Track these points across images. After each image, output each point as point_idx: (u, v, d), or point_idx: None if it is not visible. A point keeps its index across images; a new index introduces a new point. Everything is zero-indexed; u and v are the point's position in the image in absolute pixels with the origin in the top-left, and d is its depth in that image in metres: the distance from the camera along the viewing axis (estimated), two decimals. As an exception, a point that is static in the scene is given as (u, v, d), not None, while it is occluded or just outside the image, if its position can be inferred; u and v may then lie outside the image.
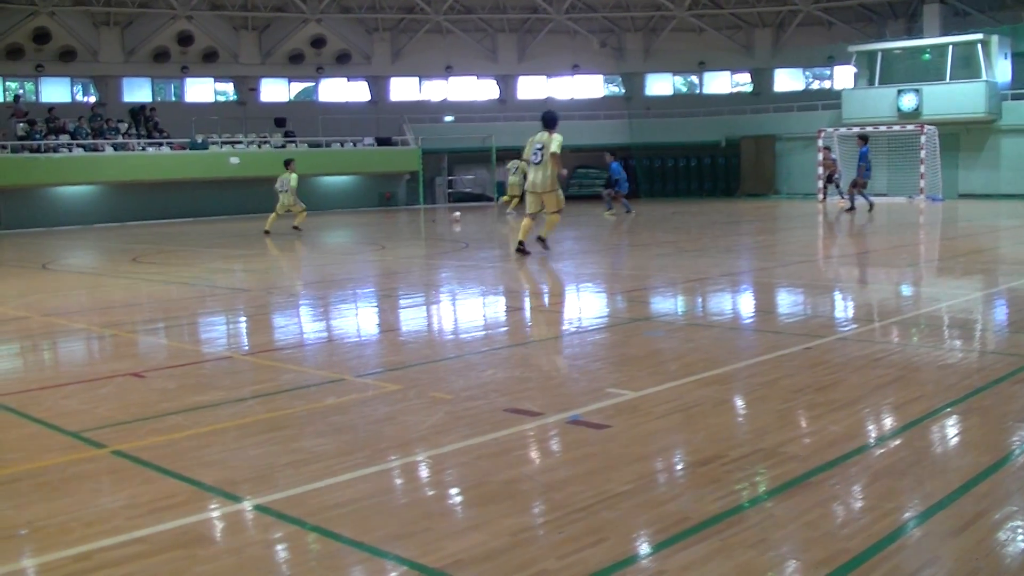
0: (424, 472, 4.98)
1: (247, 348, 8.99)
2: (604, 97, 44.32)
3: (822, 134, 33.65)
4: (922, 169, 32.30)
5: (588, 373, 7.34)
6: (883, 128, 33.73)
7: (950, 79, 34.04)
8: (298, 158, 35.38)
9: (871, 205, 27.53)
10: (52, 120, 33.30)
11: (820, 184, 32.94)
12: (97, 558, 3.86)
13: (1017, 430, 5.36)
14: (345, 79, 41.91)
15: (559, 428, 5.58)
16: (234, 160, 34.26)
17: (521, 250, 15.95)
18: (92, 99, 37.37)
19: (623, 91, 44.65)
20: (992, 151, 34.28)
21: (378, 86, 42.26)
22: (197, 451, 5.28)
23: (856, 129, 32.87)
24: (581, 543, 3.87)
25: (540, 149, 15.86)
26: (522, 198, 29.54)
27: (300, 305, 11.90)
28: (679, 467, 4.94)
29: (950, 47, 34.27)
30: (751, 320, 10.01)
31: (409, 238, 24.04)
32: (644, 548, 3.89)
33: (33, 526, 4.22)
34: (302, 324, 10.43)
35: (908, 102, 34.58)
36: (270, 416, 6.02)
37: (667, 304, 11.26)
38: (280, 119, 38.26)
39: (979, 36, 33.66)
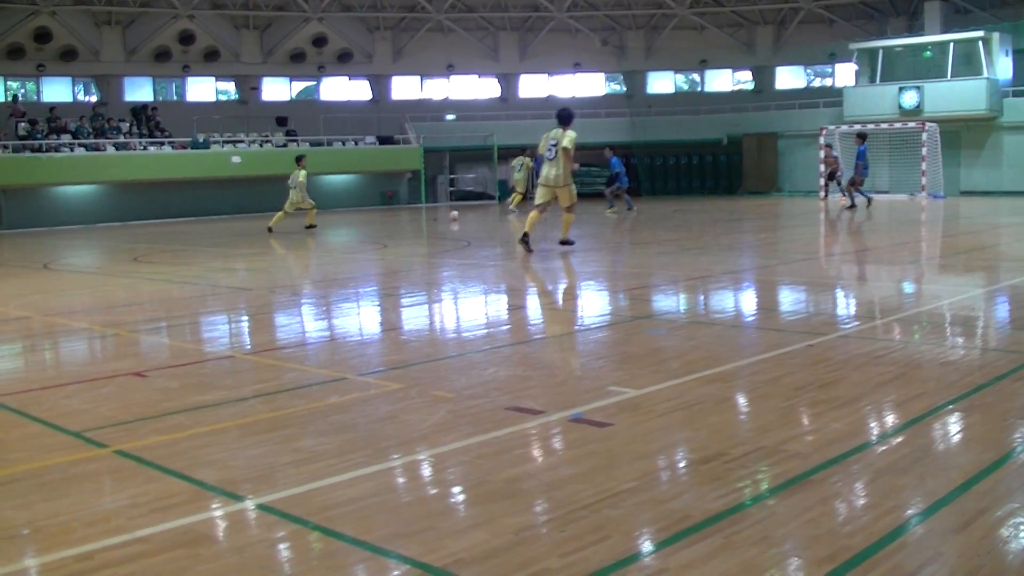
0: (426, 471, 4.98)
1: (249, 347, 9.00)
2: (606, 95, 44.31)
3: (824, 132, 33.63)
4: (923, 166, 32.27)
5: (590, 371, 7.34)
6: (884, 125, 33.73)
7: (951, 76, 34.01)
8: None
9: (869, 201, 27.80)
10: (53, 120, 33.30)
11: (822, 182, 32.92)
12: (99, 558, 3.86)
13: (1019, 427, 5.36)
14: (347, 78, 41.90)
15: (561, 426, 5.58)
16: (236, 159, 34.27)
17: (525, 242, 16.12)
18: (93, 98, 37.38)
19: (625, 89, 44.63)
20: (993, 148, 34.25)
21: (380, 85, 42.26)
22: (199, 450, 5.29)
23: (857, 127, 32.92)
24: (583, 541, 3.87)
25: (554, 145, 16.10)
26: (525, 195, 29.93)
27: (302, 304, 11.90)
28: (681, 465, 4.94)
29: (951, 44, 34.24)
30: (753, 318, 10.01)
31: (411, 237, 24.04)
32: (646, 546, 3.89)
33: (35, 526, 4.22)
34: (304, 323, 10.43)
35: (909, 99, 34.57)
36: (272, 415, 6.02)
37: (669, 302, 11.26)
38: (282, 118, 38.26)
39: (980, 33, 33.63)
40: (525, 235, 16.25)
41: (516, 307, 11.30)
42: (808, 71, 43.31)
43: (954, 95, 33.66)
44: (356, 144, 37.94)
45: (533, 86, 43.99)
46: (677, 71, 44.50)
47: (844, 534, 3.87)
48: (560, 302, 11.55)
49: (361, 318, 10.76)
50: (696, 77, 44.71)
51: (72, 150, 32.13)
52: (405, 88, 42.93)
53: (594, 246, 17.16)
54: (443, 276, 14.59)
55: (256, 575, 3.70)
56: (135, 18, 37.11)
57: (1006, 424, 5.42)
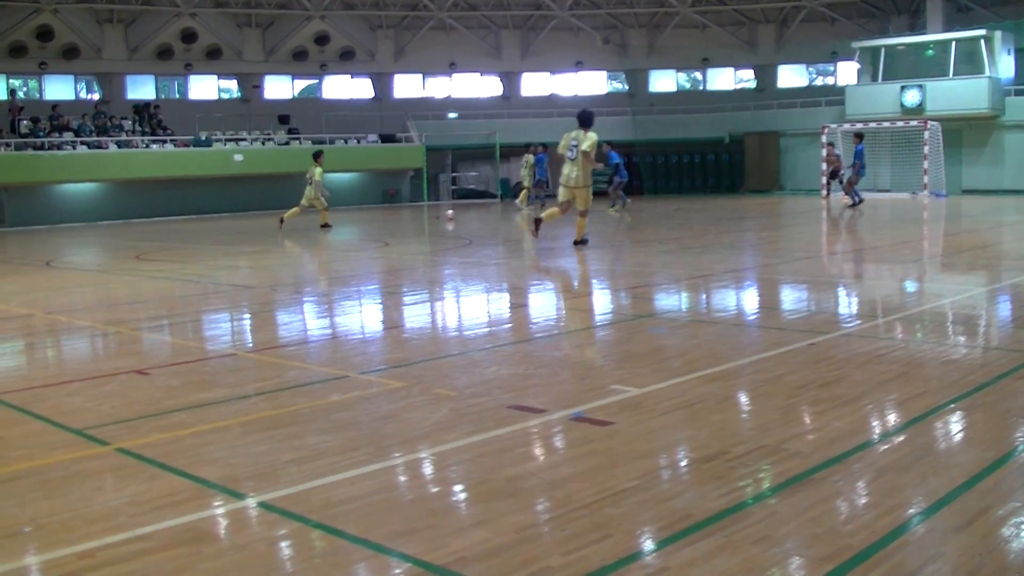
0: (428, 469, 4.98)
1: (251, 345, 9.00)
2: (608, 94, 44.27)
3: (825, 130, 33.61)
4: (925, 165, 32.25)
5: (592, 370, 7.35)
6: (886, 124, 33.73)
7: (953, 75, 33.99)
8: (301, 156, 35.60)
9: (860, 200, 27.97)
10: (56, 118, 33.31)
11: (824, 180, 32.91)
12: (100, 555, 3.87)
13: (1021, 426, 5.36)
14: (349, 76, 41.88)
15: (563, 425, 5.58)
16: (238, 157, 34.27)
17: (536, 225, 16.76)
18: (96, 96, 37.39)
19: (627, 88, 44.60)
20: (995, 147, 34.24)
21: (382, 83, 42.25)
22: (201, 448, 5.29)
23: (859, 125, 32.91)
24: (585, 540, 3.87)
25: (575, 146, 16.27)
26: (529, 190, 30.06)
27: (304, 302, 11.91)
28: (683, 464, 4.95)
29: (953, 43, 34.21)
30: (755, 316, 10.01)
31: (413, 235, 24.05)
32: (648, 545, 3.89)
33: (36, 523, 4.22)
34: (306, 321, 10.43)
35: (911, 98, 34.54)
36: (274, 413, 6.02)
37: (671, 300, 11.26)
38: (284, 116, 38.26)
39: (982, 32, 33.61)
40: (538, 220, 16.80)
41: (518, 305, 11.30)
42: (810, 69, 43.27)
43: (956, 94, 33.64)
44: (358, 142, 37.95)
45: (535, 84, 43.98)
46: (679, 69, 44.47)
47: (845, 533, 3.88)
48: (562, 301, 11.55)
49: (363, 316, 10.77)
50: (698, 75, 44.68)
51: (74, 148, 32.14)
52: (407, 86, 42.92)
53: (596, 244, 17.16)
54: (445, 274, 14.59)
55: (258, 573, 3.70)
56: (137, 16, 37.12)
57: (1007, 423, 5.42)
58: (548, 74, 43.86)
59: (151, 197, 32.86)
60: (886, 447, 5.06)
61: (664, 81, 44.64)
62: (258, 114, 38.00)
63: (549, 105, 42.46)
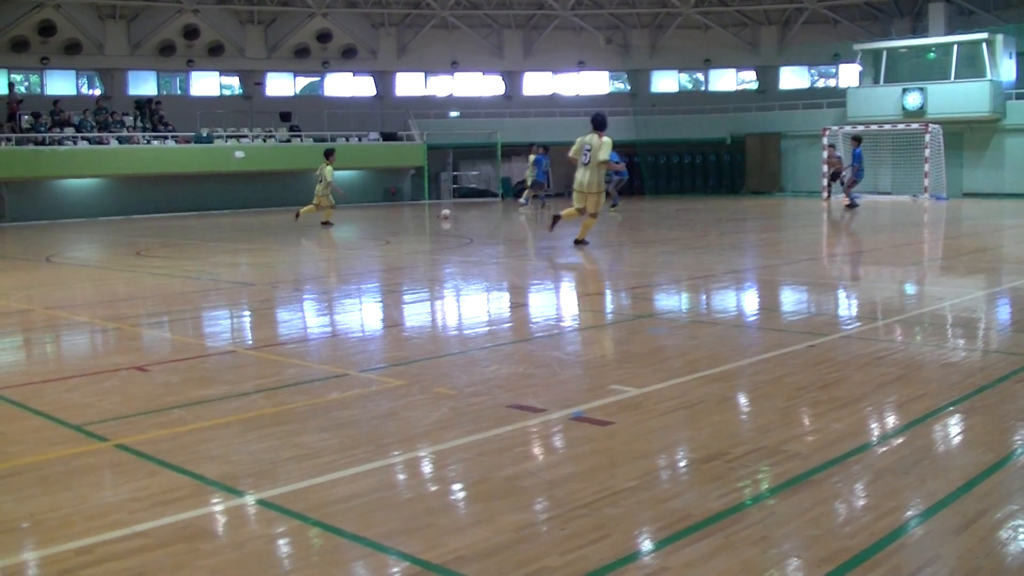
0: (427, 468, 4.98)
1: (251, 342, 9.01)
2: (609, 94, 44.24)
3: (827, 132, 33.61)
4: (926, 168, 32.26)
5: (591, 369, 7.35)
6: (888, 126, 33.73)
7: (955, 78, 34.00)
8: (302, 153, 35.65)
9: (856, 203, 27.97)
10: (57, 113, 33.30)
11: (825, 182, 32.91)
12: (99, 552, 3.87)
13: (1019, 429, 5.36)
14: (351, 74, 41.87)
15: (562, 424, 5.58)
16: (239, 154, 34.25)
17: (554, 222, 17.10)
18: (97, 92, 37.38)
19: (628, 88, 44.60)
20: (996, 150, 34.25)
21: (384, 81, 42.24)
22: (200, 445, 5.29)
23: (860, 128, 32.93)
24: (584, 539, 3.87)
25: (589, 150, 16.25)
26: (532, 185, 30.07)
27: (304, 300, 11.91)
28: (682, 464, 4.95)
29: (955, 46, 34.22)
30: (755, 317, 10.01)
31: (414, 233, 24.05)
32: (647, 545, 3.89)
33: (35, 519, 4.22)
34: (306, 319, 10.43)
35: (913, 101, 34.54)
36: (273, 411, 6.02)
37: (671, 301, 11.26)
38: (285, 113, 38.21)
39: (984, 35, 33.61)
40: (557, 217, 17.08)
41: (518, 305, 11.30)
42: (812, 71, 43.28)
43: (957, 97, 33.64)
44: (360, 140, 37.92)
45: (537, 84, 43.97)
46: (681, 70, 44.46)
47: (844, 535, 3.88)
48: (562, 300, 11.55)
49: (363, 314, 10.77)
50: (700, 76, 44.67)
51: (75, 143, 32.11)
52: (409, 85, 42.91)
53: (597, 244, 17.15)
54: (445, 273, 14.59)
55: (256, 570, 3.70)
56: (139, 12, 37.11)
57: (1007, 426, 5.42)
58: (550, 74, 43.85)
59: (152, 193, 32.85)
60: (885, 449, 5.06)
61: (666, 81, 44.64)
62: (259, 111, 37.97)
63: (551, 105, 42.47)
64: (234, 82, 40.38)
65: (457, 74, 42.99)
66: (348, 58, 40.73)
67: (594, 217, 16.71)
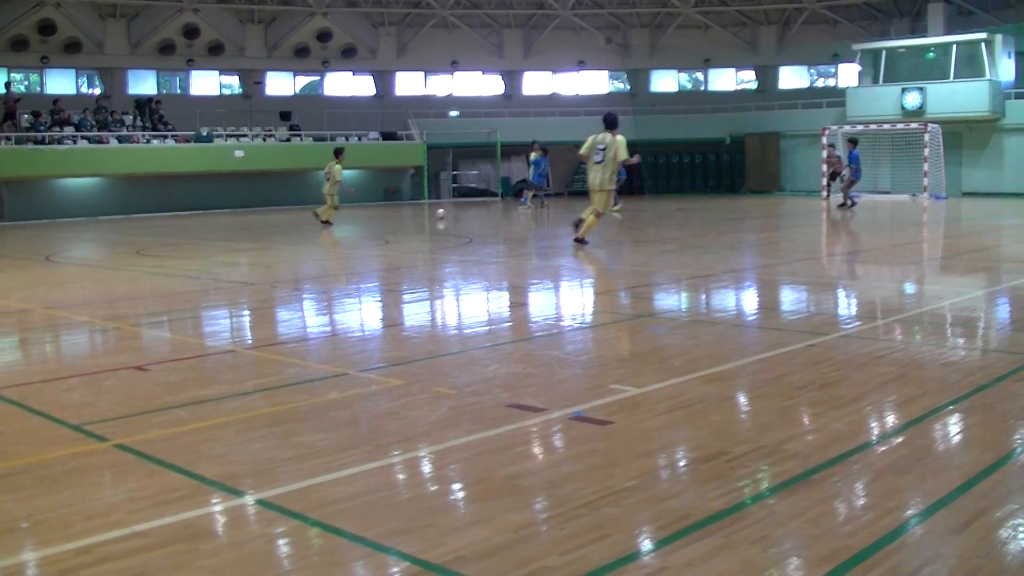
0: (427, 467, 4.98)
1: (250, 342, 9.01)
2: (609, 93, 44.23)
3: (826, 132, 33.61)
4: (925, 167, 32.26)
5: (591, 369, 7.34)
6: (887, 126, 33.74)
7: (954, 78, 34.00)
8: (302, 152, 35.68)
9: (847, 204, 28.04)
10: (57, 112, 33.29)
11: (824, 181, 32.91)
12: (98, 552, 3.87)
13: (1019, 428, 5.36)
14: (350, 73, 41.87)
15: (562, 424, 5.58)
16: (239, 153, 34.24)
17: (578, 234, 16.91)
18: (97, 91, 37.38)
19: (628, 87, 44.60)
20: (995, 150, 34.26)
21: (383, 80, 42.24)
22: (199, 445, 5.29)
23: (859, 127, 32.93)
24: (583, 539, 3.87)
25: (603, 149, 16.42)
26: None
27: (304, 299, 11.91)
28: (682, 464, 4.94)
29: (954, 46, 34.22)
30: (754, 317, 10.01)
31: (413, 233, 24.05)
32: (646, 544, 3.89)
33: (34, 519, 4.22)
34: (305, 318, 10.43)
35: (912, 100, 34.54)
36: (273, 410, 6.02)
37: (671, 300, 11.26)
38: (285, 113, 38.22)
39: (983, 35, 33.61)
40: (579, 228, 16.98)
41: (518, 304, 11.30)
42: (811, 71, 43.28)
43: (956, 96, 33.64)
44: (359, 140, 37.91)
45: (537, 83, 43.97)
46: (681, 70, 44.48)
47: (844, 534, 3.88)
48: (561, 299, 11.55)
49: (363, 314, 10.76)
50: (700, 76, 44.68)
51: (75, 142, 32.10)
52: (409, 84, 42.91)
53: (596, 244, 17.15)
54: (445, 272, 14.59)
55: (256, 571, 3.70)
56: (139, 11, 37.10)
57: (1006, 425, 5.42)
58: (550, 73, 43.85)
59: (151, 192, 32.84)
60: (885, 448, 5.06)
61: (665, 81, 44.65)
62: (259, 110, 37.97)
63: (551, 104, 42.48)
64: (234, 81, 40.38)
65: (457, 74, 43.00)
66: (348, 57, 40.73)
67: (598, 217, 16.74)
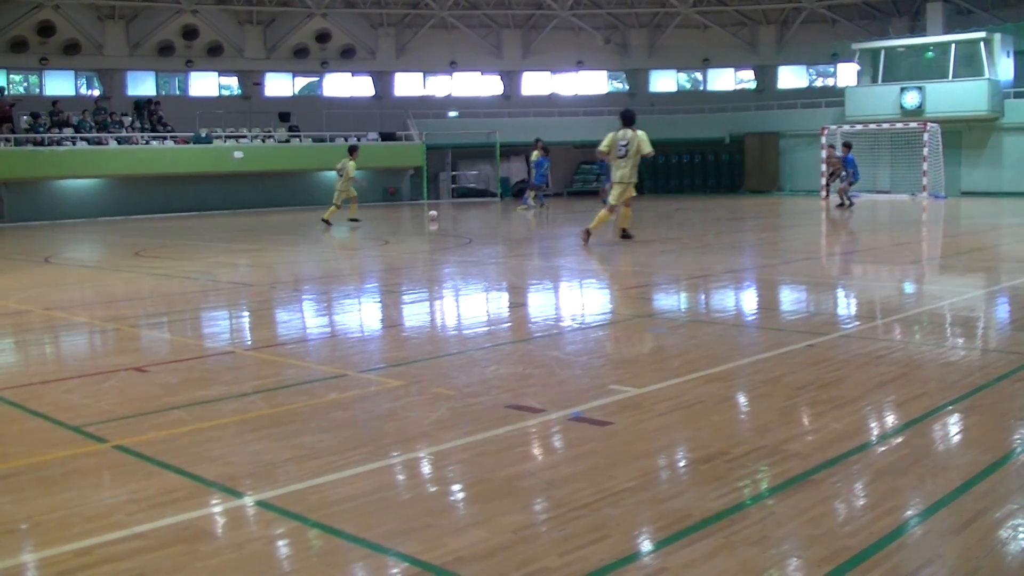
0: (426, 468, 4.98)
1: (250, 343, 9.00)
2: (608, 93, 44.26)
3: (825, 131, 33.62)
4: (925, 167, 32.26)
5: (590, 370, 7.34)
6: (886, 126, 33.75)
7: (953, 77, 34.00)
8: (301, 153, 35.71)
9: (845, 203, 28.18)
10: (56, 113, 33.29)
11: (823, 181, 32.92)
12: (97, 553, 3.86)
13: (1018, 428, 5.36)
14: (350, 74, 41.87)
15: (561, 425, 5.58)
16: (238, 155, 34.25)
17: (627, 236, 17.56)
18: (96, 92, 37.37)
19: (627, 87, 44.60)
20: (995, 149, 34.26)
21: (382, 81, 42.23)
22: (199, 446, 5.29)
23: (859, 127, 32.94)
24: (583, 540, 3.87)
25: (625, 145, 17.39)
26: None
27: (303, 300, 11.90)
28: (681, 464, 4.94)
29: (953, 45, 34.22)
30: (754, 317, 10.01)
31: (413, 233, 24.04)
32: (646, 545, 3.89)
33: (33, 521, 4.22)
34: (305, 319, 10.42)
35: (911, 100, 34.56)
36: (272, 411, 6.02)
37: (670, 300, 11.26)
38: (284, 114, 38.23)
39: (982, 34, 33.61)
40: (624, 230, 17.66)
41: (517, 304, 11.30)
42: (810, 71, 43.29)
43: (955, 96, 33.65)
44: (359, 140, 37.87)
45: (536, 83, 43.98)
46: (680, 70, 44.48)
47: (843, 534, 3.87)
48: (561, 300, 11.54)
49: (362, 314, 10.76)
50: (699, 76, 44.69)
51: (74, 144, 32.11)
52: (408, 85, 42.91)
53: (596, 244, 17.15)
54: (444, 273, 14.59)
55: (256, 572, 3.70)
56: (138, 12, 37.10)
57: (1006, 425, 5.42)
58: (549, 73, 43.86)
59: (151, 194, 32.85)
60: (884, 449, 5.05)
61: (664, 81, 44.65)
62: (258, 111, 37.98)
63: (550, 104, 42.48)
64: (233, 82, 40.38)
65: (456, 74, 43.00)
66: (347, 58, 40.73)
67: (611, 211, 17.00)
